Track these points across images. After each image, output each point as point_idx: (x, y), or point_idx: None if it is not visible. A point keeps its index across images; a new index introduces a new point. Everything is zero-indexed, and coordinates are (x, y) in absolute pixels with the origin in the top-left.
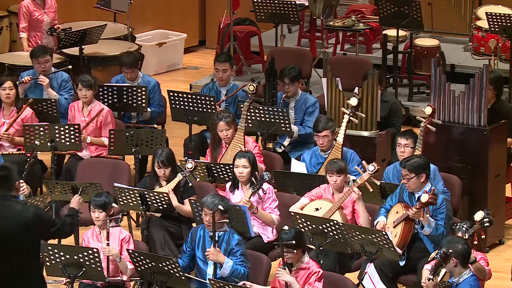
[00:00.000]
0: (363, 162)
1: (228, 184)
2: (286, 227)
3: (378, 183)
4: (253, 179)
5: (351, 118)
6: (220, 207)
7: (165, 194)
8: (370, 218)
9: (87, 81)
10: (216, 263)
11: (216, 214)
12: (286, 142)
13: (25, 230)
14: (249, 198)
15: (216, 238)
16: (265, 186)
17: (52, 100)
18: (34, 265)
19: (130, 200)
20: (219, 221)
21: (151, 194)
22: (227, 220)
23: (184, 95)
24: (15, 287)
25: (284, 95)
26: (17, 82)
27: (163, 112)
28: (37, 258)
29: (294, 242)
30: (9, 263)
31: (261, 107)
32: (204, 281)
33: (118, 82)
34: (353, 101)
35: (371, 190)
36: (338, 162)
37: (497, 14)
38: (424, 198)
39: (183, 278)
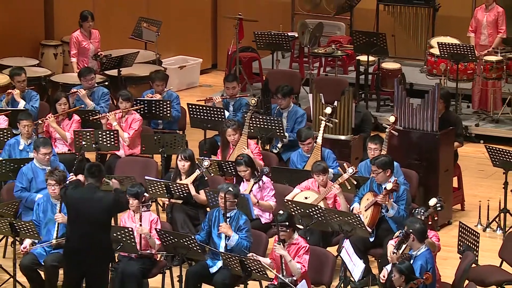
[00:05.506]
0: (344, 164)
1: (235, 179)
2: (281, 211)
3: (355, 182)
4: (255, 172)
5: (327, 123)
6: (230, 189)
7: (185, 185)
8: (348, 206)
9: (125, 95)
10: (226, 236)
11: (228, 195)
12: (279, 145)
13: (106, 211)
14: (252, 188)
15: (229, 215)
16: (265, 178)
17: (96, 111)
18: (107, 236)
19: (157, 190)
20: (229, 200)
21: (174, 185)
22: (236, 200)
23: (201, 107)
24: (92, 251)
25: (278, 107)
26: (68, 94)
27: (180, 116)
28: (108, 231)
29: (287, 223)
30: (92, 234)
31: (261, 117)
32: (217, 250)
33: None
34: (328, 110)
35: (349, 187)
36: (320, 164)
37: (446, 44)
38: (389, 186)
39: (199, 251)
